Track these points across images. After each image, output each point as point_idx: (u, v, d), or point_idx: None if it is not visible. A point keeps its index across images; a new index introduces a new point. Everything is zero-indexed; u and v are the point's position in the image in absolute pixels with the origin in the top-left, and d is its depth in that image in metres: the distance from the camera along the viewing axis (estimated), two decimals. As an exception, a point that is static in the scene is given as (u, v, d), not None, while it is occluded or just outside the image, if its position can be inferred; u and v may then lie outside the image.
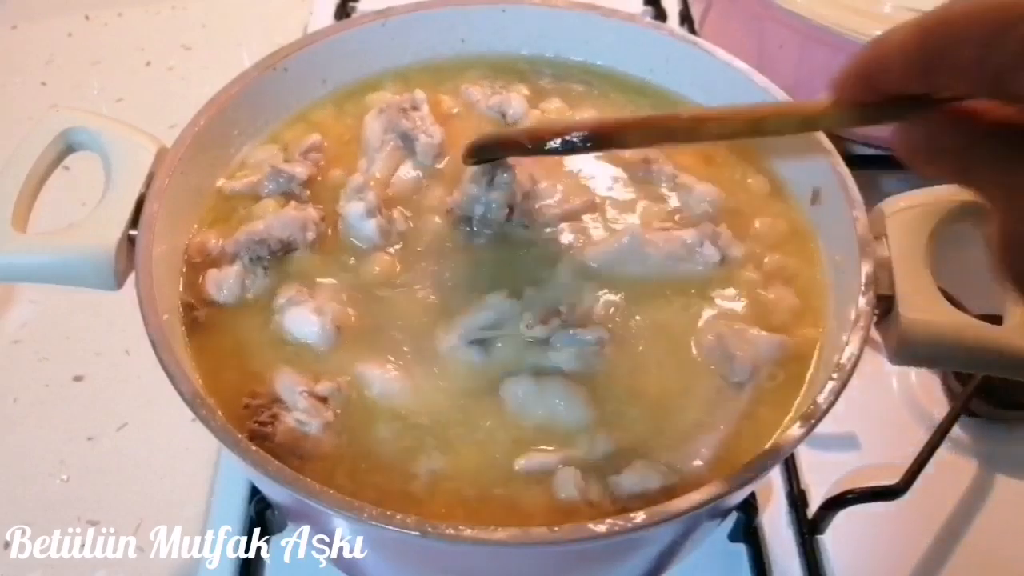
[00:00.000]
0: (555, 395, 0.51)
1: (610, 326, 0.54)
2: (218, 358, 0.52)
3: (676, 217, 0.60)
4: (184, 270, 0.56)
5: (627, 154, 0.62)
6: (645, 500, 0.47)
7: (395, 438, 0.50)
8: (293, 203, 0.58)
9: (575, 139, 0.49)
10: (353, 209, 0.56)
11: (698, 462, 0.49)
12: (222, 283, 0.54)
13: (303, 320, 0.53)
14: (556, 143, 0.49)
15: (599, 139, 0.49)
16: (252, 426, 0.49)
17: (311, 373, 0.52)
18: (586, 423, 0.50)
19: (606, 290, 0.55)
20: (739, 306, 0.56)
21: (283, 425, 0.49)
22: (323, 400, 0.50)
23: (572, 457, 0.49)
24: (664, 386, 0.52)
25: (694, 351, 0.54)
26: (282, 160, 0.61)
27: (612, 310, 0.55)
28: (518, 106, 0.64)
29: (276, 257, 0.56)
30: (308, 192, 0.60)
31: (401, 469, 0.49)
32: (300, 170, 0.60)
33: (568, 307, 0.54)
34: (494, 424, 0.50)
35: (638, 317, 0.55)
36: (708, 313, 0.55)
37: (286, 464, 0.45)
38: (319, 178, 0.61)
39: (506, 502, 0.48)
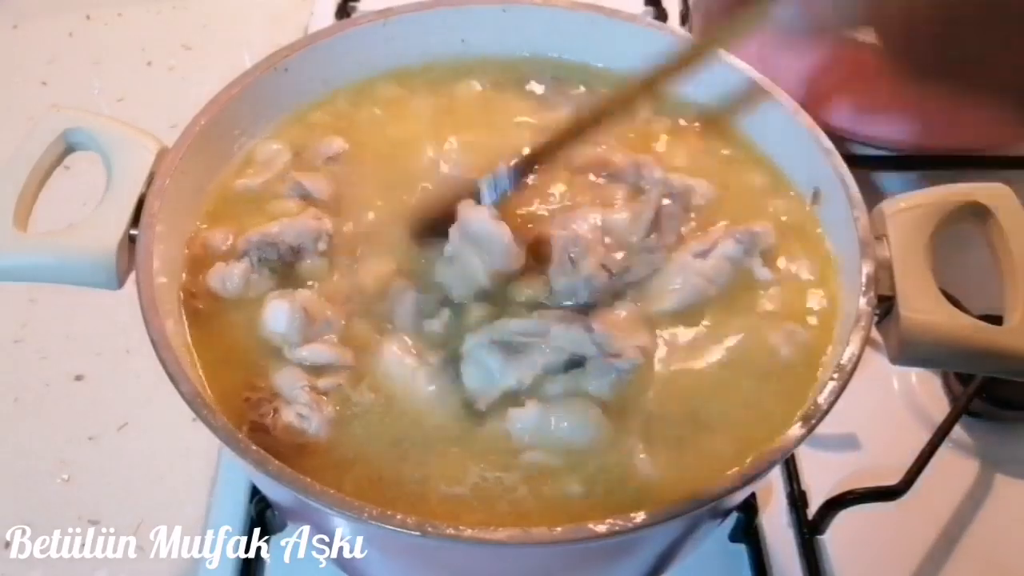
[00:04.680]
0: (563, 425, 0.49)
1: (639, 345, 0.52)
2: (219, 351, 0.52)
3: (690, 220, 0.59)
4: (186, 265, 0.56)
5: (618, 157, 0.62)
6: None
7: (397, 436, 0.50)
8: (312, 211, 0.58)
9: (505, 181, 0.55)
10: None
11: (722, 454, 0.49)
12: (226, 278, 0.54)
13: (277, 312, 0.53)
14: (493, 196, 0.54)
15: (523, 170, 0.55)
16: (253, 418, 0.49)
17: (313, 370, 0.52)
18: (601, 445, 0.50)
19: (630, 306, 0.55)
20: (759, 305, 0.56)
21: (282, 420, 0.49)
22: (324, 395, 0.50)
23: (585, 466, 0.49)
24: (687, 388, 0.52)
25: (715, 358, 0.53)
26: (290, 156, 0.62)
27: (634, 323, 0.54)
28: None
29: (284, 261, 0.56)
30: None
31: (400, 467, 0.49)
32: (322, 186, 0.60)
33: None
34: (496, 436, 0.50)
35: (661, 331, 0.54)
36: (731, 316, 0.55)
37: (285, 459, 0.45)
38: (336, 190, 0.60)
39: (507, 501, 0.48)
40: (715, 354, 0.53)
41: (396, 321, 0.54)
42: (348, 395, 0.51)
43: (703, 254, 0.56)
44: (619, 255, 0.56)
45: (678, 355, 0.53)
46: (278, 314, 0.53)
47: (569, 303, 0.54)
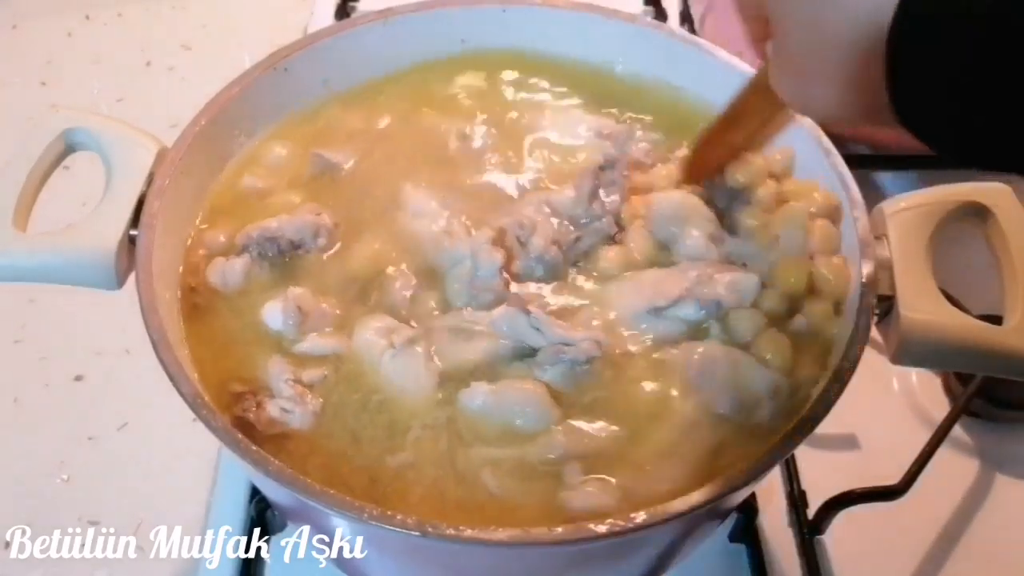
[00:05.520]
0: (512, 403, 0.50)
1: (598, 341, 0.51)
2: (214, 346, 0.53)
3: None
4: (186, 264, 0.56)
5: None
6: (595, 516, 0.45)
7: (377, 428, 0.50)
8: (311, 205, 0.58)
9: None
10: None
11: (658, 490, 0.47)
12: (226, 272, 0.55)
13: (272, 310, 0.53)
14: None
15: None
16: (237, 413, 0.49)
17: (299, 363, 0.52)
18: (547, 425, 0.49)
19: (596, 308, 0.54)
20: (740, 328, 0.53)
21: (266, 414, 0.49)
22: (310, 387, 0.51)
23: (526, 455, 0.49)
24: (640, 403, 0.51)
25: (682, 372, 0.51)
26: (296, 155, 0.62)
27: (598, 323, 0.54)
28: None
29: (283, 256, 0.56)
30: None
31: (378, 459, 0.49)
32: (343, 156, 0.61)
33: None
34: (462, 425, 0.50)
35: (626, 333, 0.53)
36: (705, 333, 0.53)
37: (271, 452, 0.45)
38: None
39: (473, 498, 0.48)
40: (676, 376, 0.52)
41: (381, 303, 0.54)
42: (334, 385, 0.51)
43: (658, 312, 0.53)
44: (569, 230, 0.56)
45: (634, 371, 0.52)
46: (273, 313, 0.53)
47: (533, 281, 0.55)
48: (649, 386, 0.51)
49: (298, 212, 0.57)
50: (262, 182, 0.61)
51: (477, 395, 0.50)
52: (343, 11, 1.05)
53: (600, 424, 0.50)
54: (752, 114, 0.55)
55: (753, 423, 0.50)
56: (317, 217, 0.57)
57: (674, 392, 0.51)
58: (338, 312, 0.54)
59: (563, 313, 0.54)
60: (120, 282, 0.52)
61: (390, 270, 0.56)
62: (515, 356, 0.52)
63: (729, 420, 0.50)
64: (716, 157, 0.57)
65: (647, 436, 0.50)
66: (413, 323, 0.53)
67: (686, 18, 1.07)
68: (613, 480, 0.48)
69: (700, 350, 0.52)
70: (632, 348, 0.52)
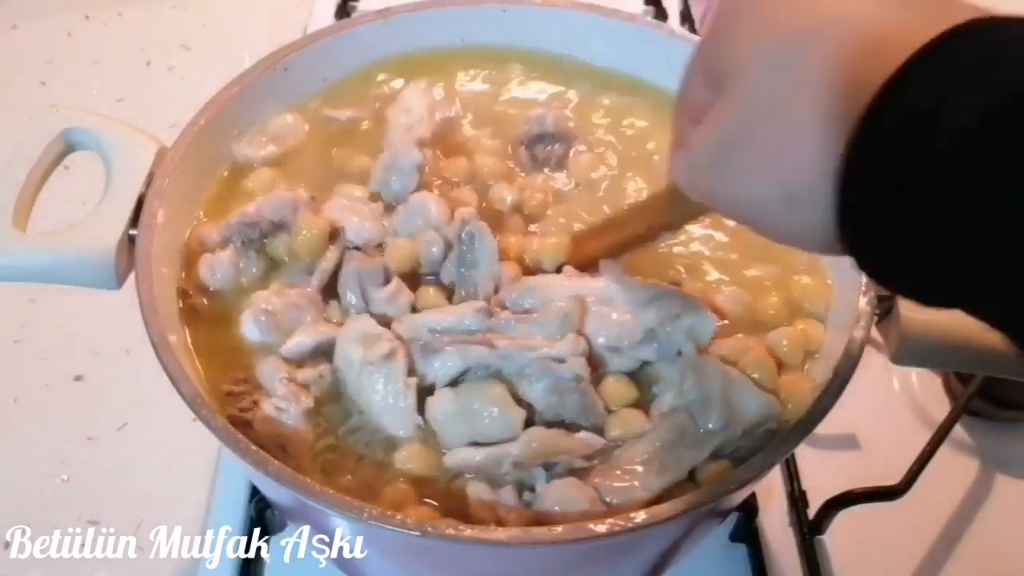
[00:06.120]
0: (479, 408, 0.48)
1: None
2: (208, 345, 0.53)
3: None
4: (184, 263, 0.56)
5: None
6: (564, 519, 0.45)
7: (365, 428, 0.50)
8: (284, 185, 0.58)
9: None
10: None
11: (633, 499, 0.46)
12: (215, 267, 0.54)
13: (246, 323, 0.53)
14: None
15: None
16: (233, 412, 0.49)
17: (293, 363, 0.52)
18: (514, 428, 0.48)
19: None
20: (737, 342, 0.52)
21: (262, 412, 0.49)
22: (305, 387, 0.50)
23: (503, 455, 0.48)
24: (624, 410, 0.50)
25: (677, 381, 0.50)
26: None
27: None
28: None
29: (267, 240, 0.55)
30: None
31: (368, 459, 0.49)
32: (349, 114, 0.63)
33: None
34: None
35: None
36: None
37: (267, 451, 0.45)
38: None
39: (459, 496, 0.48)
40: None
41: (345, 298, 0.53)
42: (326, 385, 0.51)
43: (616, 350, 0.50)
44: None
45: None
46: (248, 325, 0.52)
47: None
48: (631, 394, 0.50)
49: (274, 192, 0.56)
50: (273, 154, 0.61)
51: (444, 402, 0.49)
52: (343, 11, 1.05)
53: (579, 432, 0.49)
54: (644, 218, 0.52)
55: (739, 446, 0.48)
56: (292, 192, 0.56)
57: (661, 400, 0.50)
58: (313, 305, 0.53)
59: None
60: (119, 282, 0.52)
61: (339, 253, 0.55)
62: (490, 372, 0.50)
63: (714, 439, 0.48)
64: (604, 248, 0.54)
65: (625, 444, 0.49)
66: (390, 314, 0.52)
67: (686, 18, 1.07)
68: (587, 482, 0.47)
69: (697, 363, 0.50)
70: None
